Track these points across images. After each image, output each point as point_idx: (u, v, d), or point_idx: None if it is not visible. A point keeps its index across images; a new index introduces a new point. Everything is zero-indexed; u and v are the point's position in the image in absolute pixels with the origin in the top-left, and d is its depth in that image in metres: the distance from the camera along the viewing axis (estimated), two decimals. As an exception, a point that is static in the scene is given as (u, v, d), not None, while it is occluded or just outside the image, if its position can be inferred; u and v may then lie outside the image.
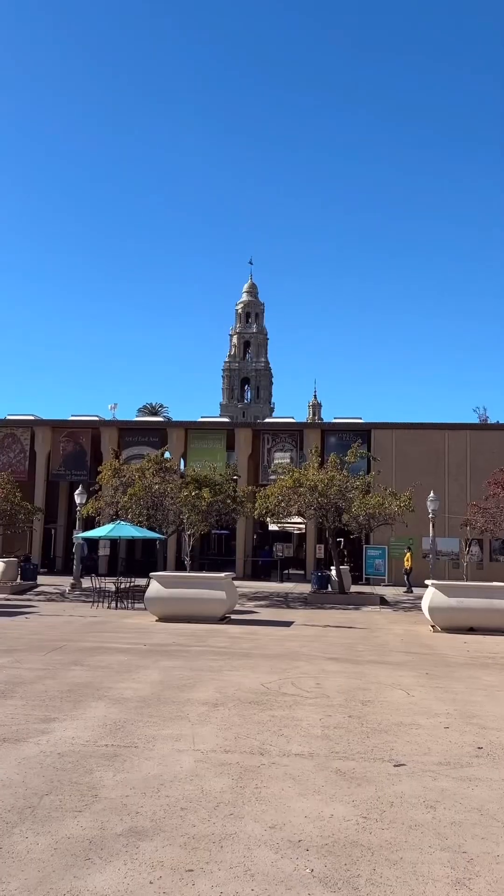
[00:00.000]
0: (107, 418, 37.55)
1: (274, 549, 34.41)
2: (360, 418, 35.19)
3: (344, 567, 27.25)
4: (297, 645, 13.58)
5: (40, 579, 27.96)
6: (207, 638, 14.23)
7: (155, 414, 75.47)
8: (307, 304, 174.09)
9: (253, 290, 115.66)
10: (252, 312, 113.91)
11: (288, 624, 17.28)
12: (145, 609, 18.01)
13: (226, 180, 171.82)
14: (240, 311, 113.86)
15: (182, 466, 33.83)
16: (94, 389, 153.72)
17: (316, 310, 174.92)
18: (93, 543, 32.07)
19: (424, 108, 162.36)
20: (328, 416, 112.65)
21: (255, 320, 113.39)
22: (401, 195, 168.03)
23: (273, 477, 29.66)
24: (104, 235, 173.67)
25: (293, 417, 37.26)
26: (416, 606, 21.63)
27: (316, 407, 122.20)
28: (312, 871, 4.20)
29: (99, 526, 24.68)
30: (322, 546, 32.78)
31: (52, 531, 36.86)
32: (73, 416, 36.22)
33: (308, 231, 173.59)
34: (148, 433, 34.95)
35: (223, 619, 17.28)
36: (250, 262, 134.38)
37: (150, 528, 24.37)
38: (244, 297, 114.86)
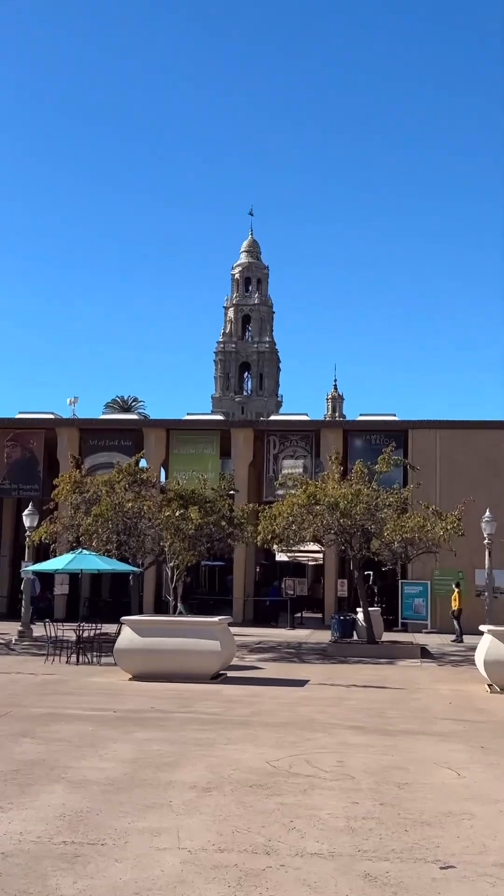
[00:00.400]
0: (65, 416, 37.58)
1: (283, 585, 34.39)
2: (395, 415, 35.26)
3: (374, 609, 27.18)
4: (312, 710, 13.60)
5: (-21, 626, 27.96)
6: (196, 702, 14.24)
7: (127, 410, 75.61)
8: (324, 268, 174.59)
9: (254, 250, 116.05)
10: (253, 278, 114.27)
11: (301, 683, 17.31)
12: (115, 664, 17.99)
13: (222, 110, 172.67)
14: (237, 276, 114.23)
15: (163, 478, 33.84)
16: (48, 380, 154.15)
17: (335, 276, 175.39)
18: (47, 579, 32.05)
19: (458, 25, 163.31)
20: (352, 413, 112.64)
21: (256, 288, 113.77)
22: (440, 127, 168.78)
23: (281, 492, 29.68)
24: (60, 177, 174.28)
25: (307, 414, 37.28)
26: (467, 659, 21.62)
27: (336, 401, 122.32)
28: None
29: (55, 556, 24.65)
30: (345, 581, 32.79)
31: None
32: (21, 413, 36.29)
33: (324, 176, 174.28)
34: (118, 435, 35.00)
35: (217, 678, 17.29)
36: (251, 214, 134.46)
37: (122, 559, 24.33)
38: (242, 259, 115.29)
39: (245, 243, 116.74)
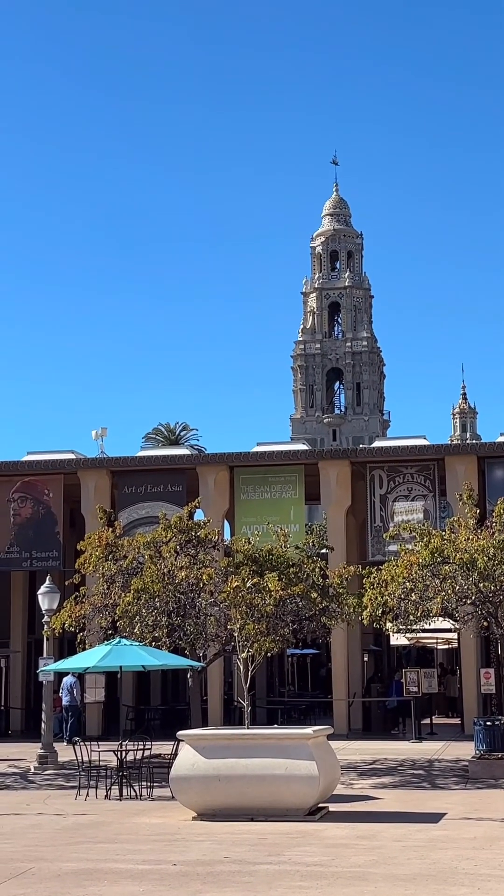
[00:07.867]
0: (90, 455, 38.02)
1: (403, 679, 33.99)
2: None
3: (535, 709, 26.64)
4: (453, 856, 13.46)
5: (-16, 749, 28.30)
6: (288, 848, 14.16)
7: (176, 443, 76.16)
8: (439, 233, 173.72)
9: (342, 212, 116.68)
10: (341, 251, 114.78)
11: (435, 818, 17.15)
12: (172, 798, 18.02)
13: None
14: (318, 249, 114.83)
15: (227, 535, 33.84)
16: (65, 407, 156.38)
17: (456, 242, 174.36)
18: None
19: None
20: (490, 432, 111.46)
21: (346, 265, 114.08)
22: None
23: (394, 547, 29.37)
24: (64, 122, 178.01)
25: (425, 437, 37.00)
26: None
27: (467, 416, 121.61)
28: None
29: (83, 649, 24.88)
30: (491, 672, 32.23)
31: (2, 661, 37.33)
32: (30, 454, 36.86)
33: (426, 112, 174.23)
34: (164, 478, 35.13)
35: (315, 813, 17.19)
36: (334, 162, 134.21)
37: (176, 651, 24.36)
38: (326, 226, 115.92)
39: (328, 203, 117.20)
